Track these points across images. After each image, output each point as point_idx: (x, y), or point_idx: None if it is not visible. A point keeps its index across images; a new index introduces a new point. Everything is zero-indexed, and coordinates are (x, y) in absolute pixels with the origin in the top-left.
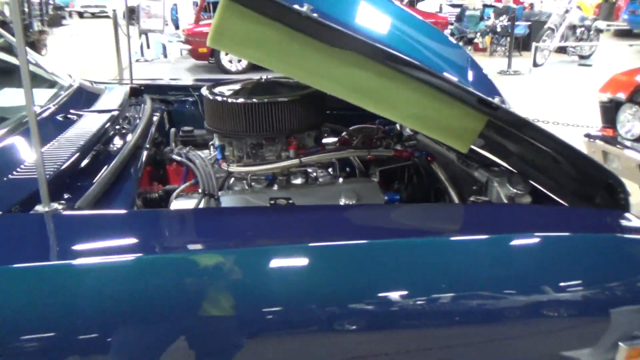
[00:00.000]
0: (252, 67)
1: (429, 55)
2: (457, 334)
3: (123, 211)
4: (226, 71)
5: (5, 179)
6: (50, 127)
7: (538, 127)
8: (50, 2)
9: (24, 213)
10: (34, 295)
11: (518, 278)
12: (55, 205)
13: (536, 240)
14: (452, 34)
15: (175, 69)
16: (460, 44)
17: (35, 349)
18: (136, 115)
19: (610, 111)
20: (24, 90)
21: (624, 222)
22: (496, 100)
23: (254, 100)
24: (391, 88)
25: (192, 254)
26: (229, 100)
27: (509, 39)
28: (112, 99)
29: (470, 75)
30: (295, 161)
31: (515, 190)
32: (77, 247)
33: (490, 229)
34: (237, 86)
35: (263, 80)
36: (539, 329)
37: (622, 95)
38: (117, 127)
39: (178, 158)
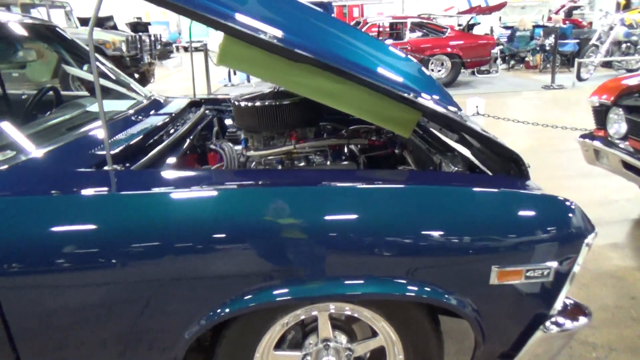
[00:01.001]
0: None
1: (368, 66)
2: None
3: (160, 170)
4: None
5: (91, 151)
6: (126, 122)
7: (458, 121)
8: (162, 39)
9: (96, 170)
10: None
11: (431, 218)
12: (116, 166)
13: (447, 190)
14: (502, 53)
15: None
16: (512, 62)
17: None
18: (188, 118)
19: (600, 114)
20: (97, 98)
21: (519, 184)
22: (424, 100)
23: (263, 103)
24: (344, 90)
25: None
26: (245, 104)
27: (557, 55)
28: (174, 107)
29: (411, 80)
30: (290, 147)
31: (455, 168)
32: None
33: (409, 183)
34: (257, 95)
35: (275, 90)
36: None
37: (607, 100)
38: (171, 124)
39: (213, 147)
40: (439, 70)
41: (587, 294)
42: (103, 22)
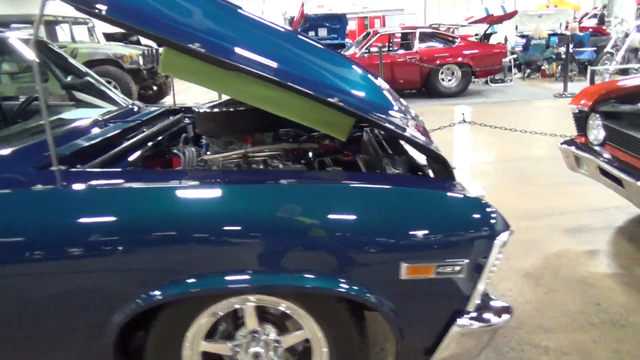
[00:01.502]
0: None
1: (296, 72)
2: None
3: (115, 169)
4: None
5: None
6: (91, 127)
7: (386, 126)
8: None
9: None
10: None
11: (340, 214)
12: (62, 167)
13: (358, 189)
14: (516, 61)
15: None
16: (528, 71)
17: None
18: (156, 124)
19: (580, 120)
20: (42, 106)
21: (444, 185)
22: (350, 104)
23: (220, 109)
24: (279, 96)
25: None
26: (204, 110)
27: (573, 64)
28: (147, 115)
29: (345, 84)
30: (242, 151)
31: (396, 171)
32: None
33: (326, 181)
34: (219, 102)
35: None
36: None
37: (585, 106)
38: (136, 129)
39: (175, 151)
40: (449, 80)
41: (553, 299)
42: (126, 37)
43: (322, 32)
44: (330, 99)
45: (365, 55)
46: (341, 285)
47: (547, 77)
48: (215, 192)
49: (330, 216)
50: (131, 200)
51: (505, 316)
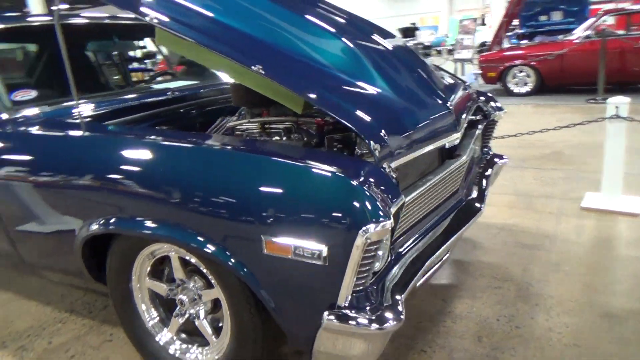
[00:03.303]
0: (538, 91)
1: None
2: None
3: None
4: (512, 93)
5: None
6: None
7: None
8: (423, 44)
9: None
10: None
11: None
12: (87, 119)
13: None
14: None
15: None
16: None
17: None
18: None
19: None
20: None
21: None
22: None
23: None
24: (239, 68)
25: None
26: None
27: None
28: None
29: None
30: (244, 121)
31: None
32: None
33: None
34: None
35: None
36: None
37: None
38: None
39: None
40: None
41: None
42: None
43: (556, 15)
44: (253, 67)
45: (588, 39)
46: (208, 245)
47: None
48: (156, 151)
49: (207, 180)
50: (111, 147)
51: (390, 323)
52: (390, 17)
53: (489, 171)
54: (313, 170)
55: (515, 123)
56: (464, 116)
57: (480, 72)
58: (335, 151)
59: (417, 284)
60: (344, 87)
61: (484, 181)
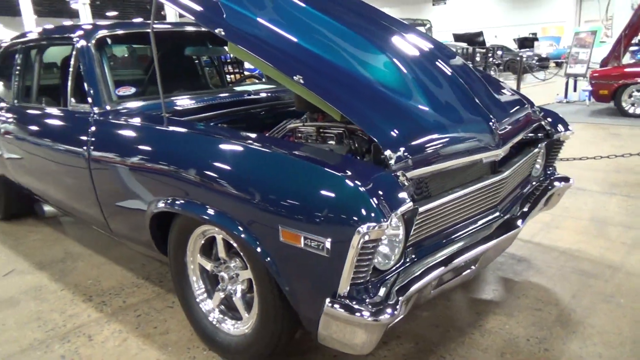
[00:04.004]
0: None
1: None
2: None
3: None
4: (626, 114)
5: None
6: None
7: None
8: (541, 55)
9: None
10: None
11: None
12: (167, 115)
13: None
14: None
15: (580, 110)
16: None
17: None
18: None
19: None
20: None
21: (356, 168)
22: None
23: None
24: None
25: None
26: None
27: None
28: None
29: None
30: (298, 124)
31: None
32: None
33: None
34: None
35: None
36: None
37: None
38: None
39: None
40: None
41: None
42: (473, 38)
43: None
44: (294, 77)
45: None
46: (243, 232)
47: None
48: (216, 147)
49: (243, 175)
50: (183, 140)
51: (383, 317)
52: (510, 26)
53: (546, 191)
54: (326, 171)
55: (617, 146)
56: (514, 134)
57: (590, 88)
58: (357, 156)
59: (432, 292)
60: (376, 98)
61: (533, 200)
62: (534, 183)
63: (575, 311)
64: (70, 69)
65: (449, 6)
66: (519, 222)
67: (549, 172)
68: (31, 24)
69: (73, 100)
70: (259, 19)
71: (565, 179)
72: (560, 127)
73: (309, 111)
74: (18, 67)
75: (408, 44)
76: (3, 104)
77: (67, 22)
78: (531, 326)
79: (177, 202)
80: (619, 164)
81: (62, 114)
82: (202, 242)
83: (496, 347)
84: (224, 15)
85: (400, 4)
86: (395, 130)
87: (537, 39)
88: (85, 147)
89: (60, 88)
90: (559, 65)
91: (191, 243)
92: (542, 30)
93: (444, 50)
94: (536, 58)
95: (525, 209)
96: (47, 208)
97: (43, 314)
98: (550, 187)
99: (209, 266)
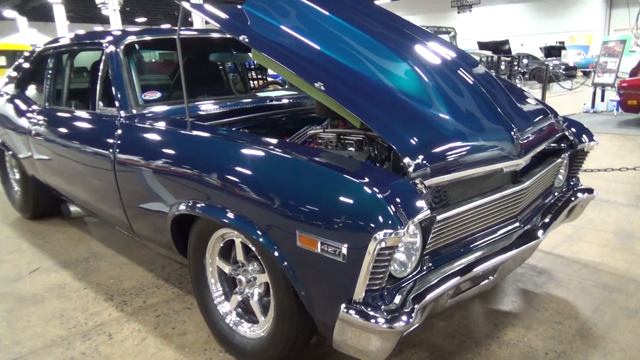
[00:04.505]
0: None
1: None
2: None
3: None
4: None
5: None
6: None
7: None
8: (568, 64)
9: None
10: None
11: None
12: (190, 119)
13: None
14: None
15: (607, 121)
16: None
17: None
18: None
19: None
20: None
21: (373, 174)
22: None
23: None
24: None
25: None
26: None
27: None
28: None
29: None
30: (318, 130)
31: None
32: None
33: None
34: None
35: None
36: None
37: None
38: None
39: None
40: None
41: None
42: (498, 46)
43: None
44: (315, 84)
45: None
46: (261, 237)
47: None
48: (236, 152)
49: (263, 180)
50: (205, 144)
51: (397, 324)
52: (537, 35)
53: (568, 202)
54: (345, 177)
55: None
56: (536, 144)
57: (618, 98)
58: (376, 163)
59: (448, 301)
60: (396, 106)
61: (555, 212)
62: (556, 194)
63: (596, 325)
64: (100, 74)
65: (475, 14)
66: (540, 233)
67: (572, 183)
68: (64, 30)
69: (101, 103)
70: (282, 27)
71: (589, 191)
72: (584, 138)
73: (330, 118)
74: (50, 71)
75: (430, 53)
76: (35, 107)
77: (98, 28)
78: (550, 339)
79: (197, 205)
80: None
81: (90, 117)
82: (221, 245)
83: (514, 359)
84: (249, 23)
85: (426, 12)
86: (414, 138)
87: (564, 48)
88: (111, 150)
89: (89, 92)
90: (586, 74)
91: (210, 246)
92: (569, 39)
93: (467, 58)
94: (563, 67)
95: (547, 220)
96: (73, 208)
97: (66, 311)
98: (573, 199)
99: (227, 269)
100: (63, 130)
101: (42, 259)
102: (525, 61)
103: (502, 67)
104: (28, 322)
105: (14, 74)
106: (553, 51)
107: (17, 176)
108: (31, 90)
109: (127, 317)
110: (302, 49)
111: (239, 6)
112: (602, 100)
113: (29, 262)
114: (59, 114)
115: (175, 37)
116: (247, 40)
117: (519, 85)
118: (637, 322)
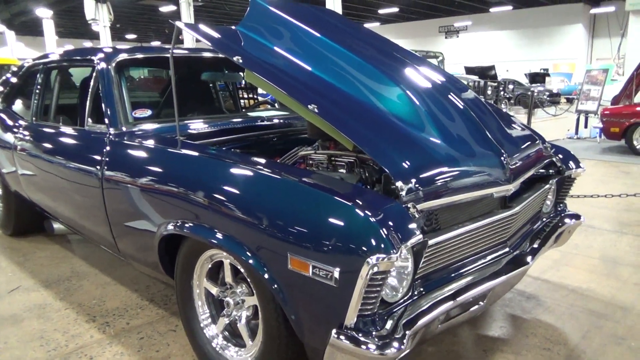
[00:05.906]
0: None
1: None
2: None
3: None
4: (638, 153)
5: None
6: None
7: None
8: (552, 91)
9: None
10: None
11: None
12: (181, 138)
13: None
14: None
15: (591, 147)
16: None
17: None
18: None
19: None
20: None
21: (363, 196)
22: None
23: None
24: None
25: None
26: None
27: None
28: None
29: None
30: (309, 151)
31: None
32: None
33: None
34: None
35: None
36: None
37: None
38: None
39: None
40: None
41: None
42: (485, 71)
43: None
44: (309, 106)
45: None
46: (250, 258)
47: None
48: (226, 172)
49: (250, 198)
50: (194, 163)
51: (389, 350)
52: (522, 61)
53: (556, 228)
54: (336, 199)
55: (629, 185)
56: (525, 169)
57: (600, 125)
58: (366, 186)
59: (439, 326)
60: (388, 129)
61: (544, 237)
62: (544, 219)
63: (585, 352)
64: (90, 90)
65: (462, 39)
66: (529, 258)
67: (559, 209)
68: (52, 45)
69: (90, 120)
70: (276, 48)
71: (577, 216)
72: (571, 164)
73: (321, 139)
74: (39, 87)
75: (421, 77)
76: (22, 122)
77: (88, 44)
78: None
79: (186, 225)
80: (630, 202)
81: (78, 134)
82: (209, 266)
83: None
84: (242, 44)
85: (414, 36)
86: (406, 162)
87: (548, 75)
88: (99, 167)
89: (78, 108)
90: (569, 101)
91: (198, 267)
92: (553, 66)
93: (456, 83)
94: (547, 93)
95: (535, 246)
96: (56, 226)
97: (46, 333)
98: (560, 224)
99: (214, 290)
100: (50, 145)
101: (22, 278)
102: (511, 87)
103: (489, 92)
104: (6, 344)
105: (0, 88)
106: (538, 78)
107: None
108: (18, 105)
109: (109, 340)
110: (296, 71)
111: (233, 27)
112: (586, 126)
113: (8, 281)
114: (47, 129)
115: (167, 55)
116: (241, 61)
117: (505, 110)
118: (625, 349)
